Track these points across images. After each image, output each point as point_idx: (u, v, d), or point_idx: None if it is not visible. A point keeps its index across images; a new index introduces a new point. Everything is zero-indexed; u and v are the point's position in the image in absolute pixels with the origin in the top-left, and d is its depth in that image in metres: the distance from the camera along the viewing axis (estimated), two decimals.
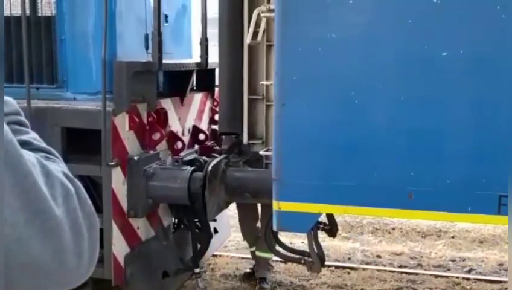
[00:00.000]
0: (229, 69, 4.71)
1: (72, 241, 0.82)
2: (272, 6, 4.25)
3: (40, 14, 4.67)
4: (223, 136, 5.18)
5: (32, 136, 0.94)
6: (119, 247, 4.44)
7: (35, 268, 0.78)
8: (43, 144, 0.93)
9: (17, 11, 4.66)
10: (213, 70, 5.84)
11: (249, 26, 4.46)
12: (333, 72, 3.73)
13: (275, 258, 5.51)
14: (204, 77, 5.86)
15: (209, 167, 4.45)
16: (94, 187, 4.40)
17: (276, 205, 3.87)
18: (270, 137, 4.59)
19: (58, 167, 0.87)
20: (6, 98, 0.88)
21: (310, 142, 3.80)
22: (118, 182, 4.40)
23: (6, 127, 0.76)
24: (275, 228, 4.05)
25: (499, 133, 3.52)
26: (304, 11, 3.74)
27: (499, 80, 3.50)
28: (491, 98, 3.52)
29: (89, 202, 0.89)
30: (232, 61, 4.69)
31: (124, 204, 4.48)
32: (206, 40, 5.43)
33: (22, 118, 0.95)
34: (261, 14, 4.36)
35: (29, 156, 0.79)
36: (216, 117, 5.96)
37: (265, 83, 4.59)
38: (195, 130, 5.61)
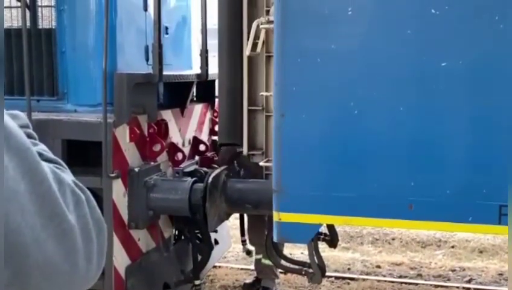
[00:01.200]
0: (229, 80, 4.72)
1: (83, 246, 0.85)
2: (271, 18, 4.26)
3: (40, 27, 4.69)
4: (223, 147, 5.18)
5: (42, 147, 0.98)
6: (120, 259, 4.42)
7: (51, 269, 0.81)
8: (52, 155, 0.97)
9: (17, 23, 4.68)
10: (213, 81, 5.85)
11: (248, 38, 4.47)
12: (332, 83, 3.73)
13: None
14: (205, 88, 5.87)
15: (210, 179, 4.45)
16: (94, 199, 4.38)
17: (276, 216, 3.86)
18: (270, 148, 4.56)
19: (68, 176, 0.91)
20: (15, 111, 0.95)
21: (309, 153, 3.80)
22: (118, 193, 4.39)
23: (24, 136, 0.81)
24: (275, 239, 4.05)
25: (498, 143, 3.52)
26: (302, 22, 3.76)
27: (497, 90, 3.50)
28: (490, 109, 3.52)
29: (98, 209, 0.93)
30: (232, 72, 4.70)
31: (125, 216, 4.46)
32: (206, 51, 5.45)
33: (31, 131, 1.00)
34: (260, 26, 4.37)
35: (43, 165, 0.83)
36: (216, 128, 5.97)
37: (264, 94, 4.58)
38: (196, 141, 5.61)
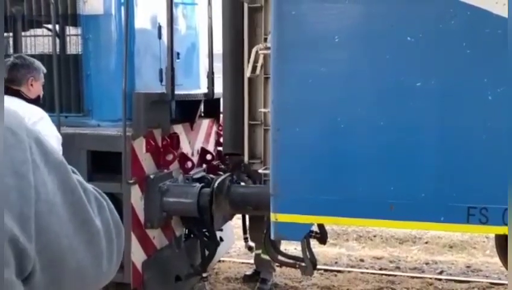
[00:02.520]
0: (232, 98, 4.70)
1: (106, 247, 0.83)
2: (268, 45, 4.24)
3: (68, 53, 4.67)
4: (227, 156, 5.14)
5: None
6: (138, 255, 4.39)
7: (81, 273, 0.78)
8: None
9: (49, 50, 4.68)
10: (218, 99, 5.81)
11: (248, 62, 4.45)
12: (322, 101, 3.69)
13: None
14: (211, 105, 5.83)
15: (216, 184, 4.42)
16: (115, 203, 4.34)
17: (273, 216, 3.81)
18: (267, 157, 4.53)
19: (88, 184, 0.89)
20: None
21: (302, 162, 3.76)
22: (136, 197, 4.36)
23: (57, 151, 0.79)
24: (272, 237, 3.99)
25: (466, 153, 3.50)
26: (295, 48, 3.73)
27: (464, 107, 3.48)
28: (456, 124, 3.50)
29: (116, 212, 0.90)
30: (235, 91, 4.68)
31: (142, 217, 4.42)
32: (212, 73, 5.42)
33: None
34: (259, 52, 4.34)
35: (73, 175, 0.81)
36: (221, 140, 5.94)
37: (263, 110, 4.56)
38: (203, 152, 5.57)
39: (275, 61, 3.80)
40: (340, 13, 3.63)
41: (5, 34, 4.71)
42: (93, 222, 0.80)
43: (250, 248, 5.79)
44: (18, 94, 2.93)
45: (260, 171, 4.48)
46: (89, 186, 0.87)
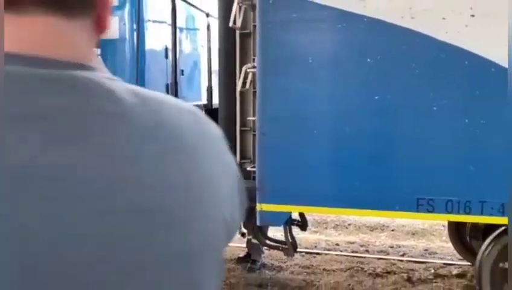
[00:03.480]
0: (226, 108, 4.80)
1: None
2: (256, 64, 4.42)
3: None
4: None
5: None
6: None
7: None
8: None
9: None
10: (216, 109, 5.97)
11: (239, 78, 4.58)
12: (300, 110, 3.89)
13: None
14: (210, 115, 5.96)
15: None
16: None
17: (259, 206, 4.03)
18: (255, 157, 4.66)
19: None
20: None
21: (282, 162, 3.96)
22: None
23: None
24: (258, 223, 4.19)
25: (415, 155, 3.71)
26: (276, 67, 3.94)
27: (413, 117, 3.69)
28: (409, 131, 3.71)
29: None
30: (228, 103, 4.77)
31: None
32: (211, 87, 5.58)
33: None
34: (248, 70, 4.49)
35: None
36: None
37: (252, 118, 4.66)
38: None
39: (260, 77, 4.03)
40: (312, 39, 3.87)
41: None
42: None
43: (243, 234, 5.94)
44: None
45: (248, 168, 4.59)
46: None
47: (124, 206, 0.48)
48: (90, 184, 0.47)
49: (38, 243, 0.44)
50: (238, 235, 6.10)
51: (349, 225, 7.38)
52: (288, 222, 4.59)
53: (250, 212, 5.61)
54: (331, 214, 6.92)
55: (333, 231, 7.25)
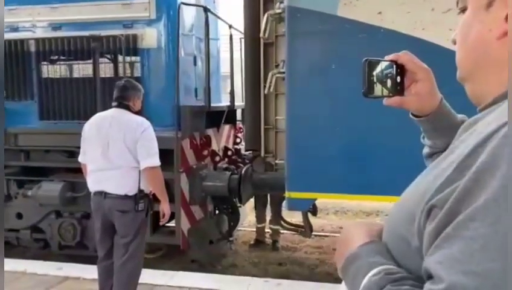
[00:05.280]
0: (252, 109, 4.82)
1: None
2: (281, 70, 4.48)
3: (132, 75, 4.79)
4: (246, 152, 5.33)
5: None
6: (184, 224, 4.60)
7: None
8: None
9: (111, 74, 4.80)
10: (235, 110, 6.03)
11: (265, 82, 4.64)
12: (322, 111, 3.95)
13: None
14: (230, 115, 6.02)
15: (243, 172, 4.64)
16: (168, 187, 4.56)
17: (287, 194, 4.09)
18: (278, 152, 4.71)
19: None
20: None
21: (308, 155, 4.02)
22: (183, 182, 4.58)
23: None
24: (287, 209, 4.25)
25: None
26: (302, 73, 4.01)
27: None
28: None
29: None
30: (254, 104, 4.81)
31: (187, 196, 4.63)
32: (233, 90, 5.62)
33: None
34: (274, 76, 4.55)
35: None
36: (237, 140, 6.17)
37: (274, 118, 4.72)
38: (225, 149, 5.78)
39: (288, 82, 4.08)
40: (335, 48, 3.93)
41: (83, 61, 4.92)
42: None
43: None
44: (128, 108, 3.14)
45: (277, 162, 4.66)
46: None
47: None
48: None
49: None
50: (253, 221, 6.19)
51: (348, 210, 7.51)
52: (309, 207, 4.67)
53: (261, 204, 5.64)
54: (350, 200, 6.99)
55: (334, 216, 7.37)
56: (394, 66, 0.91)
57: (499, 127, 0.56)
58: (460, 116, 1.02)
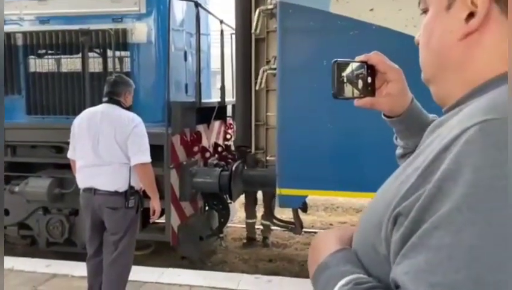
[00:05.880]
0: (243, 105, 4.79)
1: None
2: (272, 66, 4.46)
3: (122, 70, 4.73)
4: (236, 148, 5.29)
5: None
6: (174, 220, 4.57)
7: None
8: None
9: (99, 68, 4.77)
10: (226, 107, 5.99)
11: (256, 79, 4.61)
12: (314, 109, 3.93)
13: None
14: (221, 111, 6.00)
15: (233, 168, 4.61)
16: (158, 183, 4.51)
17: (278, 191, 4.08)
18: (268, 148, 4.68)
19: None
20: None
21: (299, 152, 4.02)
22: (174, 178, 4.54)
23: None
24: (278, 206, 4.23)
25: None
26: (294, 70, 4.00)
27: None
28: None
29: None
30: (244, 100, 4.77)
31: (177, 193, 4.60)
32: (224, 86, 5.60)
33: None
34: (265, 71, 4.53)
35: None
36: (227, 136, 6.14)
37: (265, 114, 4.69)
38: (216, 145, 5.75)
39: (279, 78, 4.06)
40: (326, 45, 3.92)
41: (71, 55, 4.85)
42: None
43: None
44: (118, 103, 3.10)
45: (268, 158, 4.64)
46: None
47: None
48: None
49: None
50: (243, 217, 6.17)
51: (337, 207, 7.53)
52: (300, 204, 4.66)
53: (250, 200, 5.61)
54: (340, 197, 7.00)
55: (324, 213, 7.38)
56: (365, 67, 0.90)
57: (462, 132, 0.55)
58: (431, 116, 1.02)
